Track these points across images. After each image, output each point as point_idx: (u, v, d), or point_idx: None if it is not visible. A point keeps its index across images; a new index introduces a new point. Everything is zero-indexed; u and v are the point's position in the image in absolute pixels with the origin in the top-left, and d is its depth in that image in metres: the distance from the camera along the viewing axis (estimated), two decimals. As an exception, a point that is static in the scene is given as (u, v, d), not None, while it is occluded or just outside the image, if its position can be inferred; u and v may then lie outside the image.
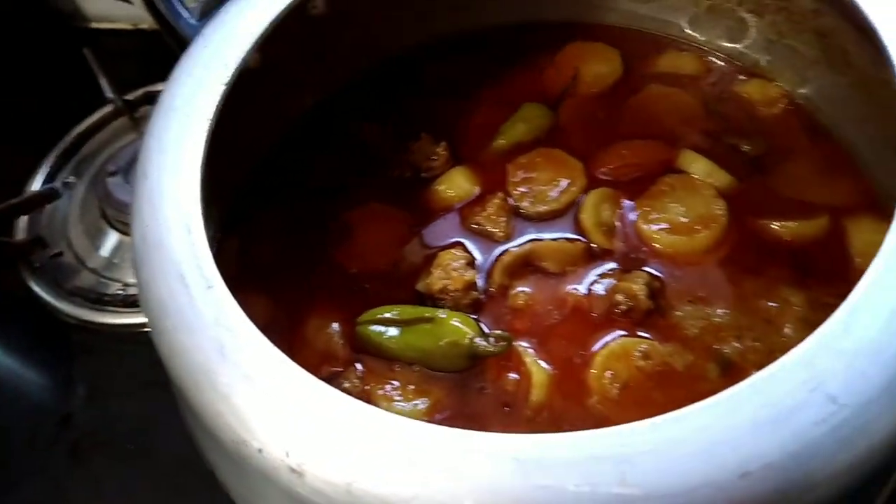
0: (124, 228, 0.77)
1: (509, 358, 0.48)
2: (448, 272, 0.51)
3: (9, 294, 0.75)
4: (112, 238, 0.77)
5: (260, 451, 0.32)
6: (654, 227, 0.52)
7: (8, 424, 0.67)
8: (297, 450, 0.31)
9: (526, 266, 0.52)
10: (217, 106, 0.43)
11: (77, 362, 0.71)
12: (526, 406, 0.46)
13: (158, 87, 0.87)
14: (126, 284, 0.74)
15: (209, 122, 0.42)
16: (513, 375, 0.47)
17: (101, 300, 0.72)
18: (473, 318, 0.49)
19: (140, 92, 0.88)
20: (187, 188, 0.40)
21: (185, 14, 0.52)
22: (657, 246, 0.52)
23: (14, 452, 0.66)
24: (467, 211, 0.56)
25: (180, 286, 0.36)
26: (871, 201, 0.53)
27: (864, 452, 0.30)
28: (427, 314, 0.48)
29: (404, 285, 0.53)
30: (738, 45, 0.61)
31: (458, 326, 0.47)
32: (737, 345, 0.47)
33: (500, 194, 0.55)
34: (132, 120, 0.88)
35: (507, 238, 0.54)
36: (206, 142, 0.42)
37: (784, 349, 0.45)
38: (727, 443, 0.29)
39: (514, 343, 0.48)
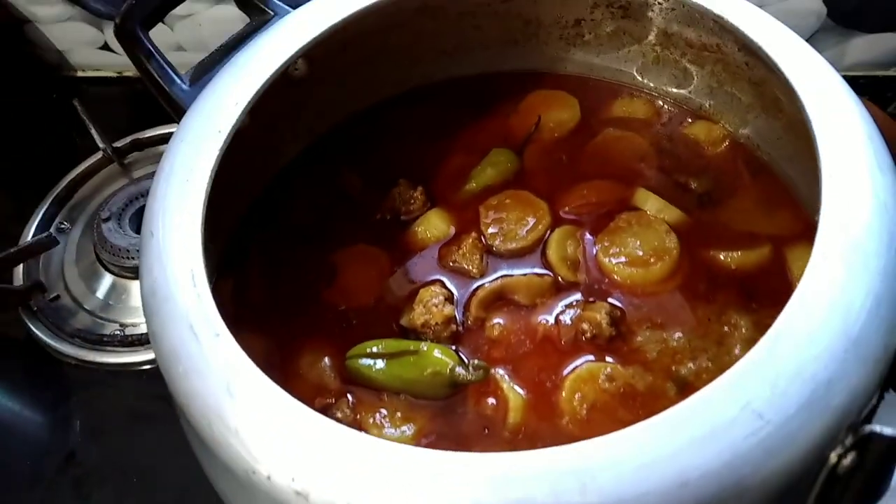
0: (119, 271, 0.81)
1: (487, 384, 0.52)
2: (429, 307, 0.55)
3: (9, 337, 0.78)
4: (107, 280, 0.81)
5: (269, 477, 0.36)
6: (614, 261, 0.58)
7: (12, 464, 0.70)
8: (301, 475, 0.35)
9: (499, 299, 0.57)
10: (212, 170, 0.48)
11: (78, 401, 0.74)
12: (504, 428, 0.50)
13: (146, 133, 0.93)
14: (122, 325, 0.78)
15: (206, 184, 0.47)
16: (491, 400, 0.52)
17: (99, 341, 0.76)
18: (453, 349, 0.54)
19: (128, 140, 0.93)
20: (190, 245, 0.44)
21: (177, 80, 0.56)
22: (617, 278, 0.57)
23: (18, 492, 0.68)
24: (444, 250, 0.60)
25: (190, 335, 0.40)
26: (808, 230, 0.58)
27: (787, 461, 0.35)
28: (411, 347, 0.53)
29: (388, 320, 0.57)
30: (683, 91, 0.67)
31: (439, 358, 0.52)
32: (692, 365, 0.52)
33: (473, 234, 0.60)
34: (121, 166, 0.92)
35: (482, 274, 0.59)
36: (205, 203, 0.46)
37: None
38: (670, 456, 0.34)
39: (492, 371, 0.52)
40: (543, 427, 0.51)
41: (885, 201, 0.42)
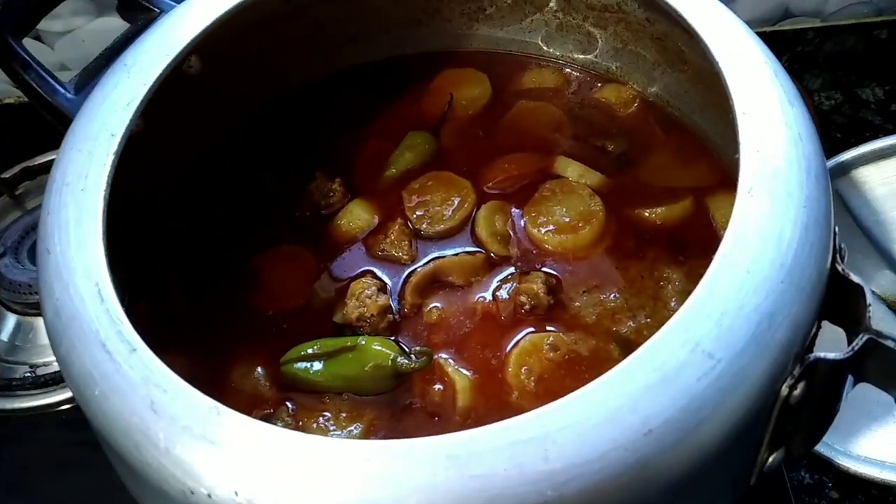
0: (22, 309, 0.75)
1: (432, 371, 0.51)
2: (362, 300, 0.53)
3: None
4: (10, 321, 0.75)
5: (209, 495, 0.33)
6: (543, 230, 0.57)
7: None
8: (244, 487, 0.33)
9: (434, 283, 0.56)
10: (108, 176, 0.44)
11: (-8, 454, 0.69)
12: (454, 413, 0.49)
13: (37, 160, 0.87)
14: (33, 365, 0.72)
15: (103, 192, 0.43)
16: (437, 386, 0.50)
17: (8, 386, 0.70)
18: (392, 340, 0.52)
19: (17, 169, 0.87)
20: (92, 258, 0.40)
21: (61, 89, 0.52)
22: (548, 247, 0.57)
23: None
24: (371, 240, 0.58)
25: (103, 354, 0.37)
26: (725, 178, 0.59)
27: (742, 398, 0.34)
28: (348, 343, 0.51)
29: (321, 320, 0.55)
30: (589, 56, 0.67)
31: (379, 350, 0.50)
32: (632, 324, 0.52)
33: (399, 220, 0.59)
34: (13, 198, 0.86)
35: (413, 260, 0.57)
36: (103, 211, 0.42)
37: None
38: (628, 407, 0.33)
39: (435, 356, 0.51)
40: (493, 406, 0.50)
41: (798, 132, 0.42)
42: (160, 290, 0.56)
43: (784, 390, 0.36)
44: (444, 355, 0.52)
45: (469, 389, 0.50)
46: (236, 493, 0.33)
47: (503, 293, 0.55)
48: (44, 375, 0.71)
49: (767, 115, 0.43)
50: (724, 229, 0.55)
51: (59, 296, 0.39)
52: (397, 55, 0.69)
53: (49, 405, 0.70)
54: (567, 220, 0.57)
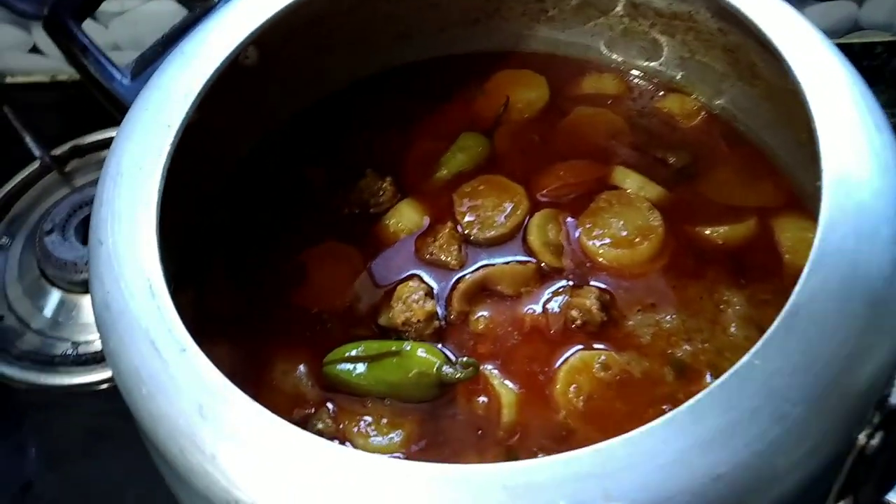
0: (67, 286, 0.75)
1: (477, 382, 0.49)
2: (409, 304, 0.52)
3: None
4: (55, 297, 0.75)
5: (254, 507, 0.32)
6: (598, 243, 0.55)
7: (-38, 502, 0.65)
8: (290, 500, 0.32)
9: (482, 291, 0.54)
10: (164, 167, 0.43)
11: (31, 428, 0.70)
12: (498, 428, 0.47)
13: (86, 139, 0.87)
14: (75, 343, 0.72)
15: (159, 184, 0.42)
16: (482, 399, 0.49)
17: (50, 362, 0.71)
18: (438, 347, 0.51)
19: (67, 146, 0.87)
20: (145, 251, 0.40)
21: (117, 75, 0.51)
22: (602, 260, 0.55)
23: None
24: (419, 243, 0.57)
25: (152, 352, 0.36)
26: (793, 200, 0.57)
27: (818, 445, 0.32)
28: (393, 348, 0.49)
29: (365, 321, 0.54)
30: (653, 64, 0.65)
31: (424, 357, 0.49)
32: (688, 347, 0.50)
33: (449, 224, 0.57)
34: (62, 175, 0.86)
35: (461, 266, 0.55)
36: (158, 205, 0.42)
37: (731, 347, 0.49)
38: (697, 449, 0.31)
39: (480, 367, 0.49)
40: (540, 423, 0.48)
41: (886, 161, 0.40)
42: (204, 283, 0.55)
43: (861, 439, 0.34)
44: (489, 367, 0.50)
45: (515, 404, 0.48)
46: (281, 508, 0.32)
47: (554, 306, 0.53)
48: (85, 354, 0.71)
49: (853, 141, 0.40)
50: (790, 254, 0.54)
51: (109, 288, 0.39)
52: (453, 54, 0.68)
53: (89, 383, 0.70)
54: (624, 233, 0.55)
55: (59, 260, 0.74)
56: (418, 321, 0.51)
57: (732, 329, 0.51)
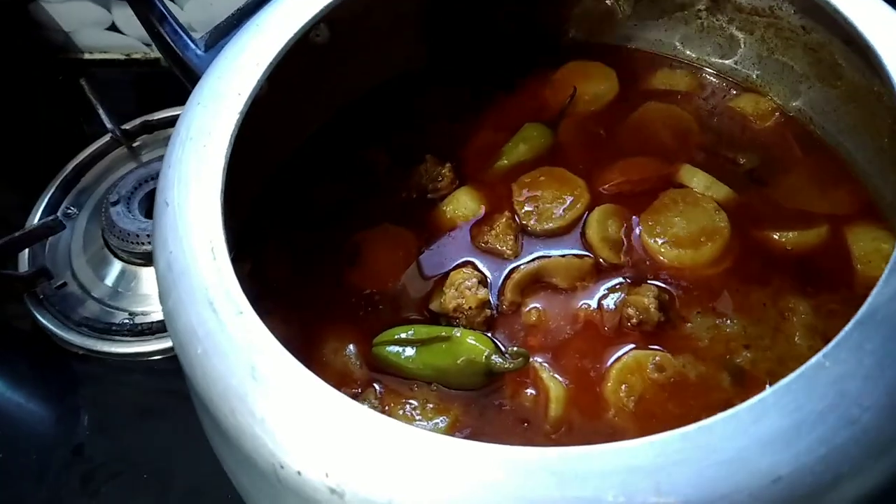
0: (128, 258, 0.77)
1: (525, 374, 0.48)
2: (461, 291, 0.51)
3: (15, 326, 0.75)
4: (116, 267, 0.77)
5: (299, 473, 0.32)
6: (660, 241, 0.54)
7: (17, 458, 0.67)
8: (336, 470, 0.31)
9: (536, 283, 0.53)
10: (232, 134, 0.44)
11: (85, 393, 0.71)
12: (545, 421, 0.47)
13: (156, 115, 0.89)
14: (132, 313, 0.74)
15: (226, 150, 0.43)
16: (530, 391, 0.48)
17: (107, 330, 0.72)
18: (488, 336, 0.50)
19: (137, 122, 0.89)
20: (209, 214, 0.40)
21: (192, 45, 0.52)
22: (663, 259, 0.53)
23: (24, 486, 0.65)
24: (475, 230, 0.57)
25: (209, 312, 0.36)
26: (868, 208, 0.54)
27: (888, 453, 0.31)
28: (443, 333, 0.49)
29: (417, 305, 0.53)
30: (728, 61, 0.63)
31: (474, 345, 0.48)
32: (748, 354, 0.48)
33: (506, 213, 0.56)
34: (130, 150, 0.88)
35: (516, 256, 0.55)
36: (224, 169, 0.42)
37: (794, 357, 0.47)
38: (756, 449, 0.30)
39: (531, 359, 0.48)
40: (587, 420, 0.47)
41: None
42: (262, 255, 0.55)
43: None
44: (539, 359, 0.49)
45: (563, 399, 0.47)
46: (327, 475, 0.32)
47: (609, 303, 0.52)
48: (140, 324, 0.73)
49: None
50: (862, 264, 0.52)
51: (172, 249, 0.39)
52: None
53: (142, 353, 0.71)
54: (688, 233, 0.54)
55: (122, 231, 0.76)
56: (470, 308, 0.51)
57: (797, 339, 0.49)
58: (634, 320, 0.50)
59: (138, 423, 0.68)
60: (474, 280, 0.52)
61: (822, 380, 0.31)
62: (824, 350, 0.32)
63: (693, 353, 0.49)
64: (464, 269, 0.54)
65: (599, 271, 0.53)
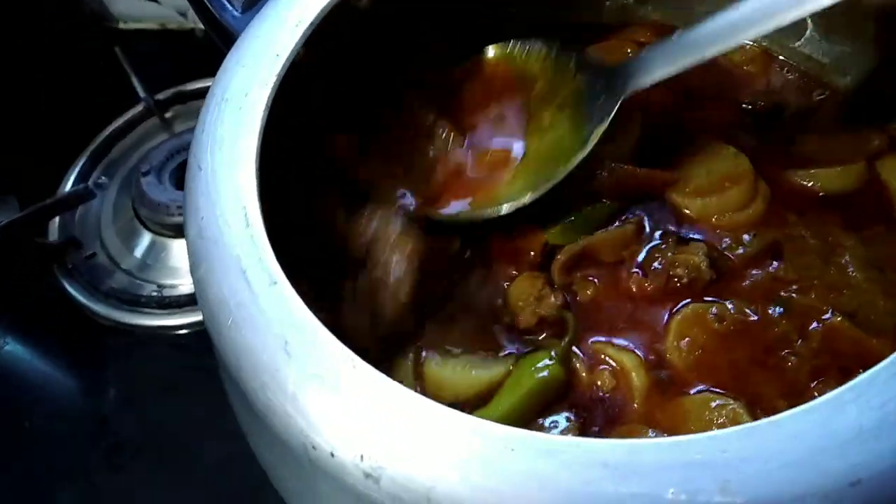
0: (158, 229, 0.76)
1: (594, 357, 0.46)
2: (532, 303, 0.49)
3: (43, 296, 0.74)
4: (146, 239, 0.76)
5: (332, 454, 0.30)
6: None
7: (43, 428, 0.66)
8: (372, 453, 0.30)
9: (583, 260, 0.51)
10: (269, 96, 0.42)
11: (112, 365, 0.71)
12: (632, 397, 0.45)
13: (189, 86, 0.88)
14: (160, 286, 0.73)
15: (263, 113, 0.41)
16: (604, 367, 0.46)
17: (136, 301, 0.72)
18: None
19: (170, 92, 0.88)
20: (244, 179, 0.38)
21: (229, 6, 0.50)
22: (689, 212, 0.52)
23: (50, 457, 0.64)
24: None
25: (241, 282, 0.35)
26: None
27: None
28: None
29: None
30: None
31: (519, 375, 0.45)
32: (796, 289, 0.47)
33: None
34: (163, 120, 0.87)
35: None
36: (261, 131, 0.40)
37: (850, 287, 0.45)
38: (834, 450, 0.27)
39: (594, 338, 0.47)
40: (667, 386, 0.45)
41: None
42: (294, 225, 0.53)
43: None
44: (602, 338, 0.48)
45: (642, 367, 0.45)
46: (361, 458, 0.30)
47: (656, 265, 0.50)
48: (169, 297, 0.72)
49: None
50: None
51: (204, 215, 0.37)
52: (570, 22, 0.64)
53: (170, 326, 0.70)
54: (715, 181, 0.52)
55: (152, 202, 0.75)
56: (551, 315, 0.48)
57: (850, 271, 0.47)
58: (686, 279, 0.48)
59: (164, 397, 0.67)
60: (538, 285, 0.49)
61: (908, 377, 0.28)
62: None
63: (742, 297, 0.47)
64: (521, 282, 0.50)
65: (641, 237, 0.51)
